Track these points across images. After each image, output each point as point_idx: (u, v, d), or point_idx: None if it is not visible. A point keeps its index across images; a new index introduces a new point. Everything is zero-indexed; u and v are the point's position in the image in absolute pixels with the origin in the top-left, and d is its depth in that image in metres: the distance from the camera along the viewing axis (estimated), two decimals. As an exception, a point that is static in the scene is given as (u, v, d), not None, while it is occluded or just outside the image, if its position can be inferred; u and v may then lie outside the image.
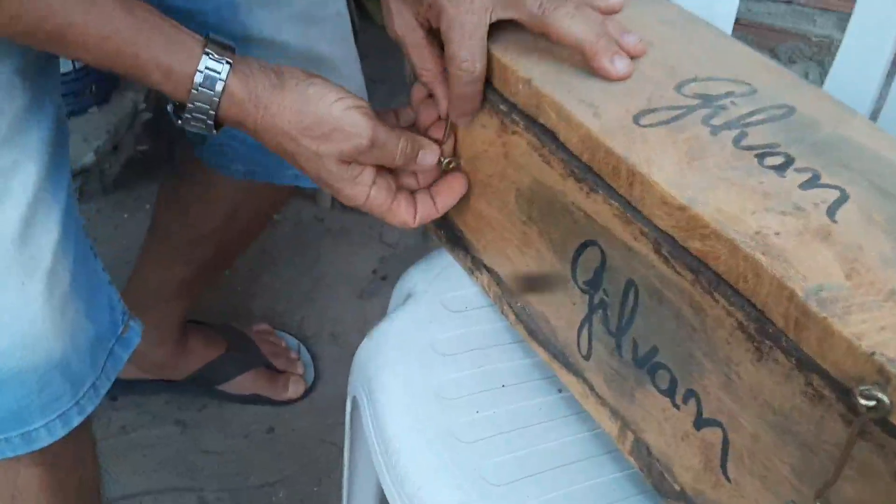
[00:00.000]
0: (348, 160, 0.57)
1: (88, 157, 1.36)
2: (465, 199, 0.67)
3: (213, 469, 1.14)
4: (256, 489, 1.12)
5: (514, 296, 0.64)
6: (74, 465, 0.73)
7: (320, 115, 0.56)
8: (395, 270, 1.39)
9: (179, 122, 0.58)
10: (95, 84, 1.37)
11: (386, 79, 1.44)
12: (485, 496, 0.56)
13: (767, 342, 0.43)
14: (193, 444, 1.17)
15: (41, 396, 0.63)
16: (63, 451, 0.68)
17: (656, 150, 0.48)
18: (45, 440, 0.65)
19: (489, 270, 0.67)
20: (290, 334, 1.29)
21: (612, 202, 0.50)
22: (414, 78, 0.63)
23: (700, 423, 0.50)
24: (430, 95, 0.61)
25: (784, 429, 0.44)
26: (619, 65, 0.53)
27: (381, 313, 1.36)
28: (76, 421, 0.66)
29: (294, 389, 1.22)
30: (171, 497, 1.11)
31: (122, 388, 1.20)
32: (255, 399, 1.21)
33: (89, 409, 0.67)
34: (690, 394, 0.50)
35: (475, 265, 0.69)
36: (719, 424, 0.48)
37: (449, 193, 0.63)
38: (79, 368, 0.65)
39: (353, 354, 1.30)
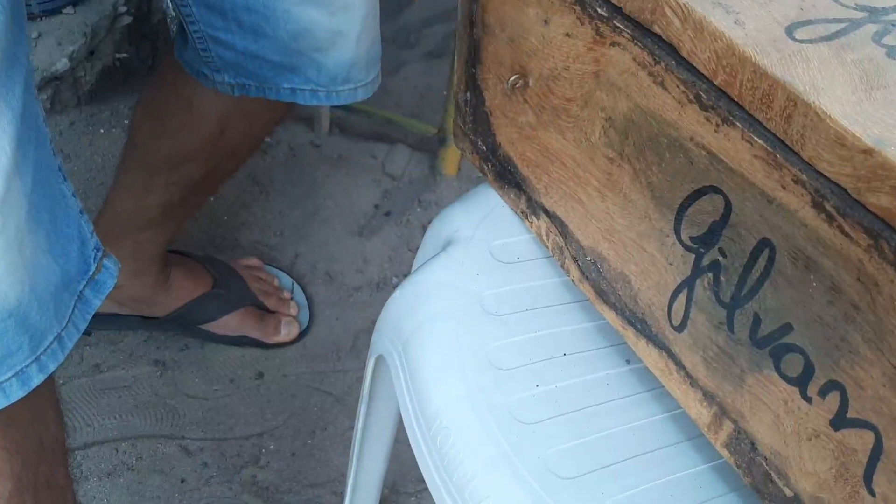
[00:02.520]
0: None
1: (61, 64, 1.21)
2: (526, 129, 0.55)
3: (196, 416, 1.04)
4: (244, 440, 1.02)
5: (583, 248, 0.53)
6: (33, 425, 0.61)
7: None
8: (399, 205, 1.28)
9: None
10: (71, -19, 1.22)
11: None
12: (554, 493, 0.46)
13: (978, 334, 0.32)
14: (174, 388, 1.06)
15: None
16: (20, 410, 0.56)
17: (822, 72, 0.37)
18: None
19: (550, 216, 0.56)
20: (283, 271, 1.18)
21: (756, 139, 0.39)
22: None
23: (841, 422, 0.40)
24: None
25: (982, 445, 0.34)
26: None
27: (383, 252, 1.26)
28: (36, 380, 0.54)
29: (286, 332, 1.11)
30: (149, 444, 1.01)
31: (95, 322, 1.07)
32: (243, 341, 1.10)
33: (52, 367, 0.55)
34: (833, 386, 0.40)
35: (531, 208, 0.58)
36: (872, 427, 0.38)
37: None
38: (39, 318, 0.53)
39: (350, 296, 1.20)
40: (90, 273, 0.59)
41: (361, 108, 1.34)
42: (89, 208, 1.14)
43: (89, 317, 0.59)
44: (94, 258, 0.59)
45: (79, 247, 0.57)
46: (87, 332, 1.10)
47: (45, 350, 0.55)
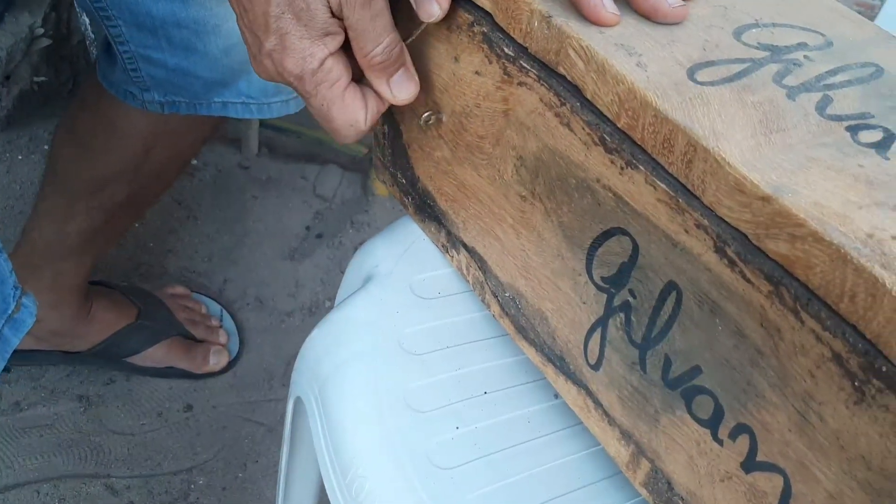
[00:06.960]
0: (336, 6, 0.43)
1: (-26, 88, 1.17)
2: (442, 164, 0.54)
3: (122, 452, 1.00)
4: (172, 476, 0.99)
5: (502, 284, 0.53)
6: None
7: None
8: (331, 227, 1.26)
9: None
10: (-16, 2, 1.17)
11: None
12: (471, 542, 0.45)
13: (876, 382, 0.32)
14: (98, 424, 1.02)
15: None
16: None
17: (722, 116, 0.37)
18: None
19: (469, 250, 0.55)
20: (211, 298, 1.15)
21: (659, 183, 0.38)
22: None
23: (751, 465, 0.39)
24: None
25: (883, 491, 0.34)
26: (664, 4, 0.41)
27: (315, 276, 1.24)
28: None
29: (215, 361, 1.08)
30: (73, 485, 0.97)
31: (15, 358, 1.03)
32: (171, 372, 1.07)
33: None
34: (742, 429, 0.39)
35: (451, 242, 0.57)
36: (780, 471, 0.38)
37: (401, 87, 0.48)
38: None
39: (282, 322, 1.18)
40: (9, 312, 0.58)
41: (291, 128, 1.32)
42: (7, 238, 1.10)
43: (7, 356, 0.59)
44: (14, 297, 0.58)
45: None
46: (6, 370, 1.06)
47: None
